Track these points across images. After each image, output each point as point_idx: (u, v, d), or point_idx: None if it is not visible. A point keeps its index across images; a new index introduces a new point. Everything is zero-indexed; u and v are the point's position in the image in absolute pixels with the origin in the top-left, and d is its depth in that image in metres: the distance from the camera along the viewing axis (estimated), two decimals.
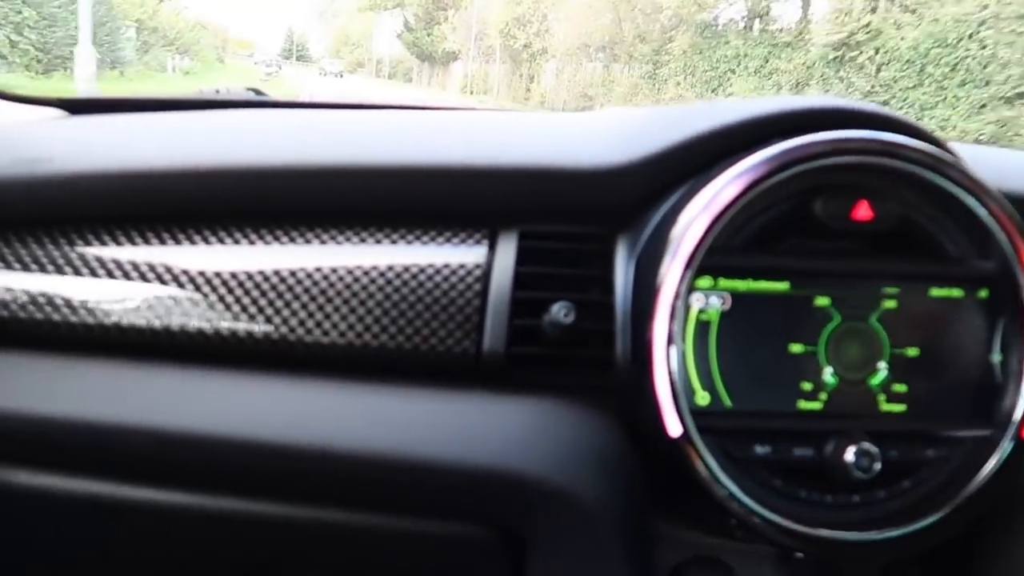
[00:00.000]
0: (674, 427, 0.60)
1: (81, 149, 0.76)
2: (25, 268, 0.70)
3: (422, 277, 0.68)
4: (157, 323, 0.68)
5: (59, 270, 0.69)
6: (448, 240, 0.71)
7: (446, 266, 0.69)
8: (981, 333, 0.66)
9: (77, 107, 1.00)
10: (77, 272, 0.69)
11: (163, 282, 0.69)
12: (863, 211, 0.63)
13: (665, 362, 0.61)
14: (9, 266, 0.70)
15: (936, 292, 0.66)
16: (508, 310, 0.68)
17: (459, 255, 0.70)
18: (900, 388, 0.65)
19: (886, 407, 0.65)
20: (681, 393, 0.61)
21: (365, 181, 0.71)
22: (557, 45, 27.88)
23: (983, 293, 0.66)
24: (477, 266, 0.69)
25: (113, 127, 0.89)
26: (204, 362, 0.68)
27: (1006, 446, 0.63)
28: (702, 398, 0.63)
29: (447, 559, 0.70)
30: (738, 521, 0.62)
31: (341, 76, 50.72)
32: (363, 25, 67.16)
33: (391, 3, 51.33)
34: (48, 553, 0.75)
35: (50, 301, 0.69)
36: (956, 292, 0.66)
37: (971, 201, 0.63)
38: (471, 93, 34.35)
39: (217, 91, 1.25)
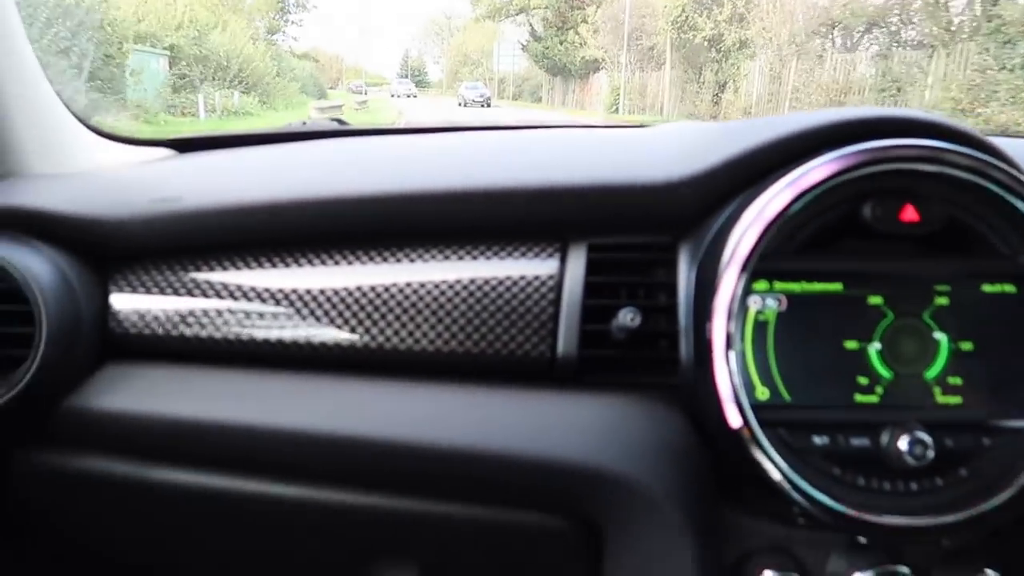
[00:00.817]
0: (735, 419, 0.65)
1: (202, 188, 0.86)
2: (161, 292, 0.80)
3: (500, 288, 0.76)
4: (268, 336, 0.78)
5: (190, 292, 0.80)
6: (523, 254, 0.78)
7: (522, 278, 0.76)
8: None
9: (183, 146, 1.12)
10: (204, 294, 0.79)
11: (275, 300, 0.79)
12: (910, 214, 0.67)
13: (724, 359, 0.66)
14: (149, 291, 0.81)
15: (988, 288, 0.68)
16: (579, 316, 0.74)
17: (533, 267, 0.77)
18: (955, 380, 0.68)
19: (942, 399, 0.68)
20: (741, 388, 0.65)
21: (446, 204, 0.79)
22: (766, 32, 18.68)
23: None
24: (550, 277, 0.76)
25: (222, 164, 1.00)
26: (311, 369, 0.77)
27: None
28: (762, 393, 0.67)
29: (532, 547, 0.77)
30: (799, 509, 0.66)
31: (413, 96, 47.87)
32: (481, 40, 61.01)
33: (514, 8, 42.11)
34: (178, 544, 0.84)
35: (183, 319, 0.79)
36: (1008, 288, 0.68)
37: (1016, 200, 0.66)
38: (623, 110, 25.77)
39: (303, 123, 1.35)
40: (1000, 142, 0.72)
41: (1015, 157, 0.71)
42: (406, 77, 72.44)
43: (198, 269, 0.81)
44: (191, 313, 0.80)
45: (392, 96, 47.27)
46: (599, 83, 30.89)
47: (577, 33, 32.89)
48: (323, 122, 1.34)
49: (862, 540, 0.71)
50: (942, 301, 0.68)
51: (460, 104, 39.02)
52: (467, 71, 62.59)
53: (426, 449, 0.72)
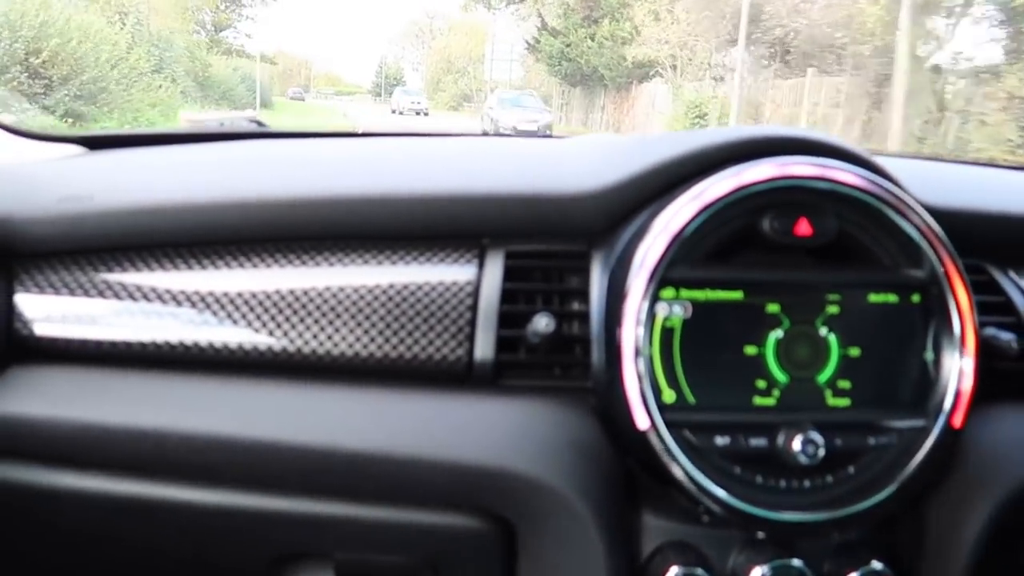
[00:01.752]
0: (642, 421, 0.68)
1: (113, 186, 0.84)
2: (70, 292, 0.78)
3: (419, 293, 0.77)
4: (182, 339, 0.77)
5: (100, 293, 0.78)
6: (442, 260, 0.79)
7: (440, 283, 0.78)
8: (915, 334, 0.74)
9: (95, 143, 1.09)
10: (115, 295, 0.77)
11: (189, 302, 0.77)
12: (804, 227, 0.71)
13: (633, 364, 0.69)
14: (57, 291, 0.78)
15: (874, 298, 0.74)
16: (496, 322, 0.76)
17: (452, 273, 0.78)
18: (845, 384, 0.73)
19: (832, 401, 0.73)
20: (648, 390, 0.68)
21: (365, 209, 0.80)
22: None
23: (916, 298, 0.74)
24: (468, 283, 0.78)
25: (134, 163, 0.98)
26: (225, 373, 0.77)
27: (938, 433, 0.71)
28: (668, 395, 0.71)
29: (448, 547, 0.78)
30: (703, 506, 0.69)
31: (424, 113, 36.03)
32: (468, 43, 52.00)
33: None
34: (87, 550, 0.82)
35: (92, 321, 0.77)
36: (892, 297, 0.74)
37: (898, 218, 0.72)
38: None
39: (221, 123, 1.33)
40: (886, 162, 0.77)
41: (900, 177, 0.77)
42: (400, 84, 58.89)
43: (109, 270, 0.79)
44: (101, 315, 0.77)
45: (394, 112, 36.42)
46: (650, 95, 21.15)
47: (617, 22, 22.27)
48: (241, 123, 1.32)
49: (760, 535, 0.74)
50: (833, 309, 0.73)
51: (394, 111, 35.38)
52: (451, 79, 53.49)
53: (339, 453, 0.72)
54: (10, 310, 0.78)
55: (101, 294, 0.78)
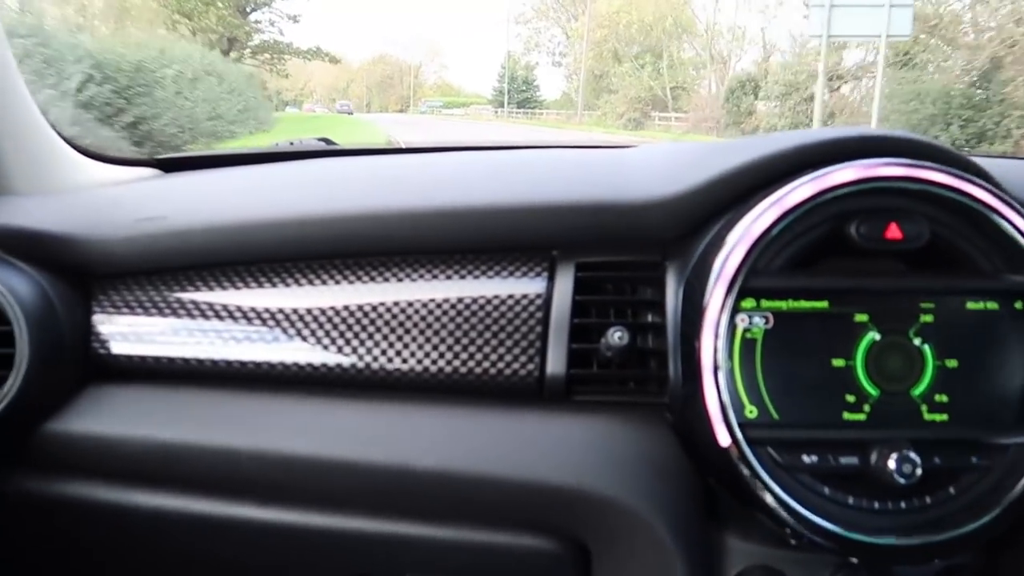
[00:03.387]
0: (724, 438, 0.65)
1: (187, 207, 0.86)
2: (145, 312, 0.80)
3: (489, 308, 0.76)
4: (254, 357, 0.77)
5: (174, 312, 0.79)
6: (511, 273, 0.78)
7: (510, 296, 0.76)
8: (1019, 343, 0.69)
9: (169, 165, 1.12)
10: (188, 314, 0.79)
11: (261, 320, 0.78)
12: (894, 232, 0.67)
13: (713, 378, 0.65)
14: (133, 310, 0.80)
15: (972, 305, 0.69)
16: (567, 335, 0.74)
17: (522, 286, 0.77)
18: (942, 398, 0.68)
19: (929, 416, 0.68)
20: (729, 406, 0.65)
21: (434, 223, 0.79)
22: None
23: (1019, 305, 0.69)
24: (538, 296, 0.76)
25: (208, 184, 0.99)
26: (297, 390, 0.77)
27: None
28: (750, 411, 0.67)
29: (520, 569, 0.76)
30: (790, 529, 0.65)
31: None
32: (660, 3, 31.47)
33: None
34: (161, 568, 0.83)
35: (167, 339, 0.79)
36: (992, 305, 0.69)
37: (997, 218, 0.67)
38: None
39: (291, 142, 1.35)
40: (982, 162, 0.72)
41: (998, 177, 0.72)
42: (529, 90, 44.29)
43: (183, 289, 0.80)
44: (175, 333, 0.79)
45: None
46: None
47: None
48: (311, 141, 1.34)
49: (853, 560, 0.70)
50: (927, 318, 0.69)
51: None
52: (626, 72, 30.30)
53: (412, 472, 0.71)
54: (88, 329, 0.80)
55: (175, 313, 0.79)
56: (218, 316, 0.79)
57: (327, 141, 1.34)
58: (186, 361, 0.78)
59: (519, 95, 47.60)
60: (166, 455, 0.75)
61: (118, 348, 0.79)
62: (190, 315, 0.79)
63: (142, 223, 0.81)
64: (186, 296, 0.80)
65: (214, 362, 0.78)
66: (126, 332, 0.80)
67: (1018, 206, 0.67)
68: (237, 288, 0.80)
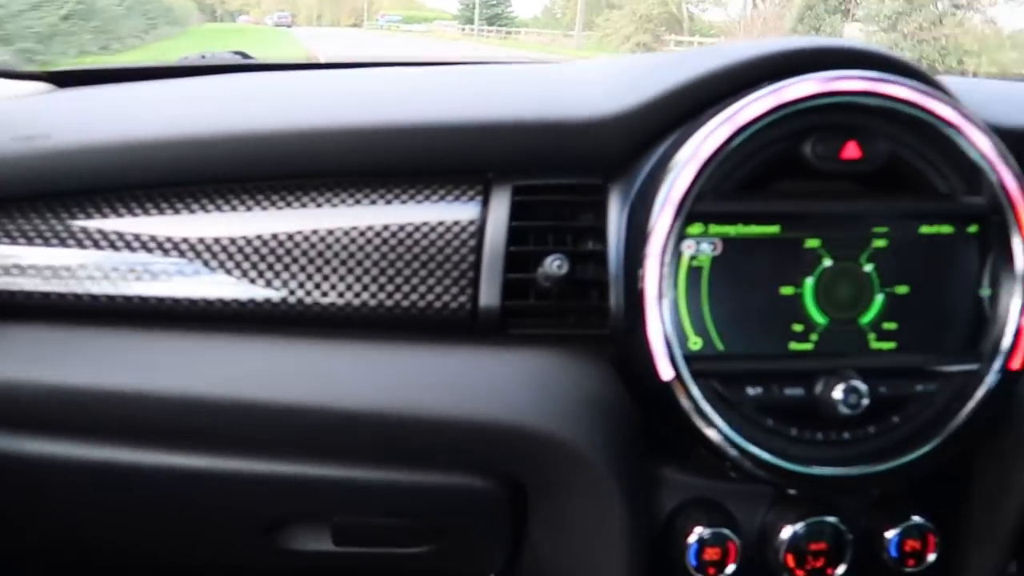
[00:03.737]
0: (666, 371, 0.62)
1: (76, 124, 0.77)
2: (29, 241, 0.71)
3: (417, 235, 0.70)
4: (158, 292, 0.70)
5: (62, 242, 0.71)
6: (442, 198, 0.72)
7: (440, 223, 0.70)
8: (971, 268, 0.67)
9: (64, 79, 1.01)
10: (80, 244, 0.71)
11: (164, 251, 0.71)
12: (851, 151, 0.64)
13: (657, 308, 0.62)
14: (14, 240, 0.72)
15: (926, 229, 0.67)
16: (503, 264, 0.69)
17: (453, 212, 0.71)
18: (890, 326, 0.67)
19: (876, 344, 0.67)
20: (673, 338, 0.62)
21: (356, 142, 0.72)
22: None
23: (973, 229, 0.67)
24: (471, 222, 0.70)
25: (103, 99, 0.90)
26: (206, 328, 0.70)
27: (993, 378, 0.65)
28: (694, 343, 0.65)
29: (453, 509, 0.73)
30: (731, 462, 0.64)
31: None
32: None
33: None
34: (58, 520, 0.78)
35: (56, 273, 0.71)
36: (946, 228, 0.67)
37: (959, 138, 0.64)
38: None
39: (203, 56, 1.25)
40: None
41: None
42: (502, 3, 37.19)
43: (74, 216, 0.72)
44: (68, 266, 0.71)
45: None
46: None
47: None
48: (224, 55, 1.24)
49: (792, 492, 0.70)
50: (879, 243, 0.66)
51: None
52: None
53: (334, 412, 0.66)
54: None
55: (66, 243, 0.71)
56: (115, 247, 0.71)
57: (243, 55, 1.24)
58: (79, 297, 0.70)
59: (489, 9, 41.32)
60: (61, 400, 0.68)
61: (3, 283, 0.71)
62: (83, 246, 0.71)
63: (21, 142, 0.72)
64: (78, 224, 0.71)
65: (112, 298, 0.70)
66: (12, 265, 0.71)
67: (982, 124, 0.64)
68: (136, 216, 0.72)
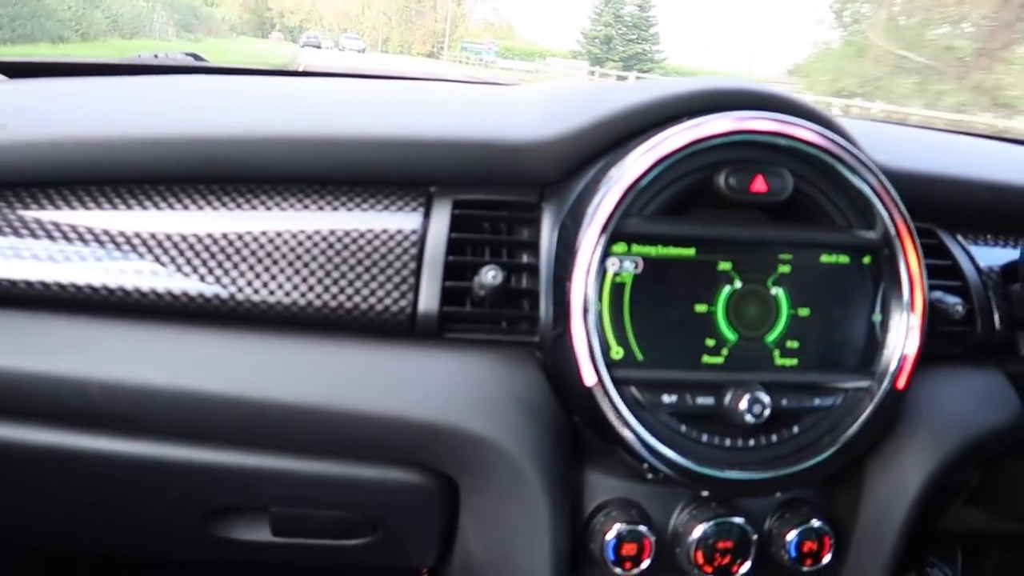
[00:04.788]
0: (590, 377, 0.67)
1: (29, 116, 0.78)
2: None
3: (362, 241, 0.73)
4: (105, 282, 0.72)
5: (14, 232, 0.72)
6: (387, 207, 0.76)
7: (384, 231, 0.74)
8: (865, 295, 0.74)
9: (14, 71, 1.01)
10: (31, 234, 0.72)
11: (114, 243, 0.72)
12: (760, 184, 0.69)
13: (582, 319, 0.67)
14: None
15: (826, 258, 0.73)
16: (442, 273, 0.73)
17: (397, 221, 0.75)
18: (793, 344, 0.73)
19: (780, 361, 0.73)
20: (597, 347, 0.67)
21: (306, 150, 0.76)
22: None
23: (867, 260, 0.73)
24: (413, 231, 0.74)
25: (57, 92, 0.91)
26: (152, 319, 0.72)
27: (882, 395, 0.72)
28: (616, 352, 0.69)
29: (388, 503, 0.76)
30: (648, 464, 0.69)
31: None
32: None
33: None
34: (4, 503, 0.78)
35: (6, 262, 0.72)
36: (843, 258, 0.73)
37: (854, 177, 0.71)
38: None
39: (155, 55, 1.25)
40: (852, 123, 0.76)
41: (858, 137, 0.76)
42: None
43: (25, 207, 0.73)
44: (16, 255, 0.72)
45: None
46: None
47: None
48: (177, 56, 1.25)
49: (704, 494, 0.75)
50: (784, 269, 0.72)
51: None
52: None
53: (274, 405, 0.69)
54: None
55: (16, 233, 0.72)
56: (65, 238, 0.72)
57: (196, 57, 1.26)
58: (27, 284, 0.71)
59: (627, 47, 31.07)
60: (5, 384, 0.69)
61: None
62: (32, 235, 0.72)
63: None
64: (28, 215, 0.73)
65: (60, 286, 0.71)
66: None
67: (873, 166, 0.71)
68: (87, 209, 0.73)
